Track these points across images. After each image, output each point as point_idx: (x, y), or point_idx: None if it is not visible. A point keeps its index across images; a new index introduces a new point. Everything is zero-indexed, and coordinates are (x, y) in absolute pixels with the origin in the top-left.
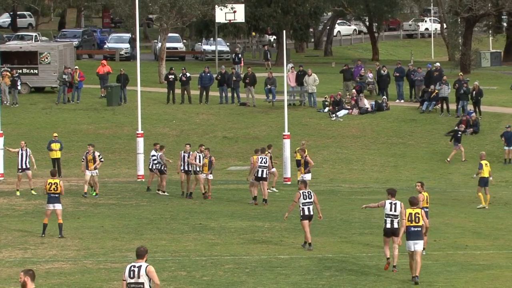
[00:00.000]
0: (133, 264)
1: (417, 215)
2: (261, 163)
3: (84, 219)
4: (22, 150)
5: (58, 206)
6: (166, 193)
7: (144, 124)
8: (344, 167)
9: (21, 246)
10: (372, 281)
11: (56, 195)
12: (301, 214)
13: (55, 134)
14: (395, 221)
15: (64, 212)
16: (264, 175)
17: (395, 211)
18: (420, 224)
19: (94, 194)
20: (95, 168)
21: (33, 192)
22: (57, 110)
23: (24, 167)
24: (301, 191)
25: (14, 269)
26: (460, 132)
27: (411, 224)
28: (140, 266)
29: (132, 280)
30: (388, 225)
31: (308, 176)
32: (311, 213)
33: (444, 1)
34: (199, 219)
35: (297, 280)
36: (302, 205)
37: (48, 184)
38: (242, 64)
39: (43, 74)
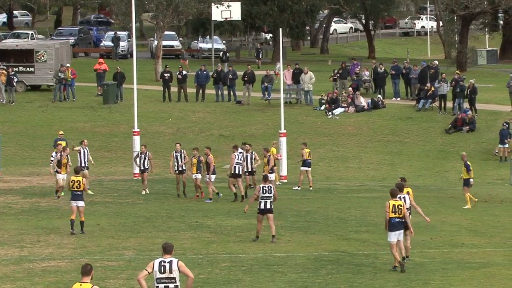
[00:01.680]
0: (162, 259)
1: (399, 206)
2: (238, 160)
3: (85, 217)
4: (83, 149)
5: (80, 203)
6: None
7: (140, 122)
8: (340, 165)
9: (18, 244)
10: (368, 279)
11: (79, 193)
12: (259, 207)
13: (61, 132)
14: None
15: (60, 211)
16: (240, 172)
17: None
18: (402, 215)
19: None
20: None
21: (90, 192)
22: (53, 108)
23: (83, 165)
24: (261, 185)
25: (10, 267)
26: (506, 125)
27: (395, 216)
28: (171, 261)
29: (163, 275)
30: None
31: (272, 176)
32: (268, 207)
33: None
34: (196, 217)
35: (294, 278)
36: (261, 199)
37: (71, 182)
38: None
39: (39, 72)
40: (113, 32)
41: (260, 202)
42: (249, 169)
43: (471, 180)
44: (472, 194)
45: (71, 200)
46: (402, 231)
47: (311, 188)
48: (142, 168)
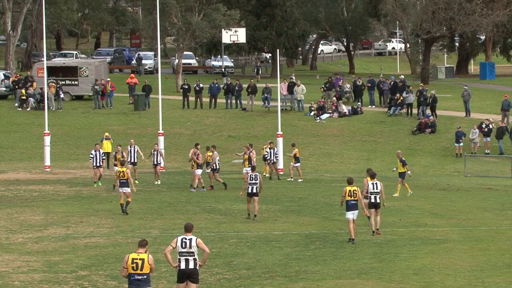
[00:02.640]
0: (184, 236)
1: (354, 191)
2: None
3: (116, 202)
4: (131, 147)
5: (125, 190)
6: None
7: (164, 125)
8: (326, 160)
9: (64, 225)
10: (349, 252)
11: (124, 181)
12: (247, 191)
13: (107, 134)
14: (377, 196)
15: (99, 197)
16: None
17: (377, 189)
18: (357, 198)
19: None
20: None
21: (136, 181)
22: (94, 114)
23: (133, 161)
24: (249, 174)
25: (59, 243)
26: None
27: (351, 198)
28: (191, 238)
29: (184, 250)
30: (373, 200)
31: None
32: (254, 191)
33: (407, 25)
34: (209, 202)
35: (289, 251)
36: (249, 184)
37: (117, 172)
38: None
39: (82, 85)
40: (142, 53)
41: (248, 187)
42: (273, 160)
43: (408, 172)
44: (433, 184)
45: (119, 187)
46: (356, 211)
47: (291, 179)
48: (155, 162)
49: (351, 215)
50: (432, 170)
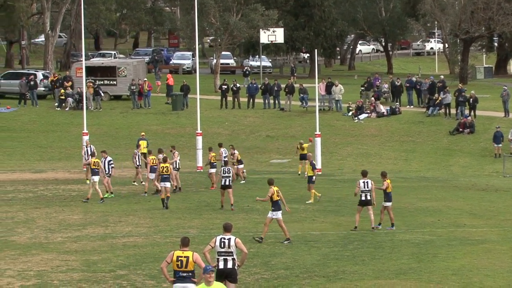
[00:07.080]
0: (222, 236)
1: (277, 191)
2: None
3: (154, 202)
4: (87, 147)
5: (167, 184)
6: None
7: (202, 125)
8: (364, 160)
9: (103, 224)
10: (387, 252)
11: (167, 176)
12: (221, 184)
13: (143, 133)
14: (368, 194)
15: (137, 197)
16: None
17: (367, 187)
18: (278, 198)
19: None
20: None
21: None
22: (132, 114)
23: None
24: (222, 167)
25: (97, 243)
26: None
27: (278, 199)
28: (230, 238)
29: (223, 250)
30: (363, 198)
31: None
32: (227, 183)
33: (446, 25)
34: (247, 202)
35: (327, 252)
36: (222, 177)
37: (161, 168)
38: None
39: (120, 85)
40: (180, 53)
41: (222, 180)
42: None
43: (314, 177)
44: (471, 185)
45: (160, 182)
46: (280, 211)
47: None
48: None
49: (272, 214)
50: (471, 170)
